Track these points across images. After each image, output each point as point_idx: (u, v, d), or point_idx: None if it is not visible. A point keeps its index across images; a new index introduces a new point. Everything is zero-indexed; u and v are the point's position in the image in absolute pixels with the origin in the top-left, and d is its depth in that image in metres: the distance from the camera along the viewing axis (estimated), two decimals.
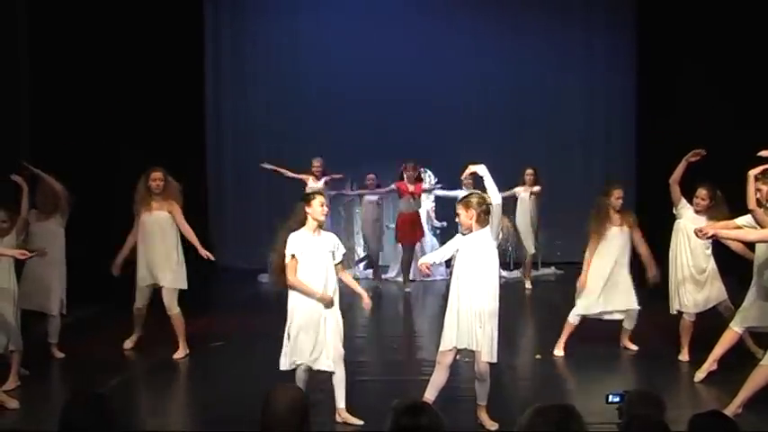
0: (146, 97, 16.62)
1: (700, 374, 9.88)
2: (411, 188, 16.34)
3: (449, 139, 18.01)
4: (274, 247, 8.54)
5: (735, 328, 9.61)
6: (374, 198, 17.31)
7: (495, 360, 8.32)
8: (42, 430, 4.49)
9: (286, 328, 8.50)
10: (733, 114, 15.87)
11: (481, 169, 8.37)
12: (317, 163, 16.38)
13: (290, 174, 16.32)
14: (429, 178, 17.85)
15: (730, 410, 7.79)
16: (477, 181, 9.42)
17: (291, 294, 8.47)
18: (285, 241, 8.39)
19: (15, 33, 14.21)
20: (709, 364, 9.82)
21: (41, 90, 14.59)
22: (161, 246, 11.18)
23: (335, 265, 8.55)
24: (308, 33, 18.85)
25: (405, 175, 16.35)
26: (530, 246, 16.65)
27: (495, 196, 8.18)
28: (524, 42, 18.80)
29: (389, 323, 13.77)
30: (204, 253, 11.02)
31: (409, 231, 16.54)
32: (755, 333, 9.86)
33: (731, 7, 16.07)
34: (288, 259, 8.35)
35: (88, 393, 4.84)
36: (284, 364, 8.52)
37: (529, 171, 16.55)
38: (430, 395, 8.31)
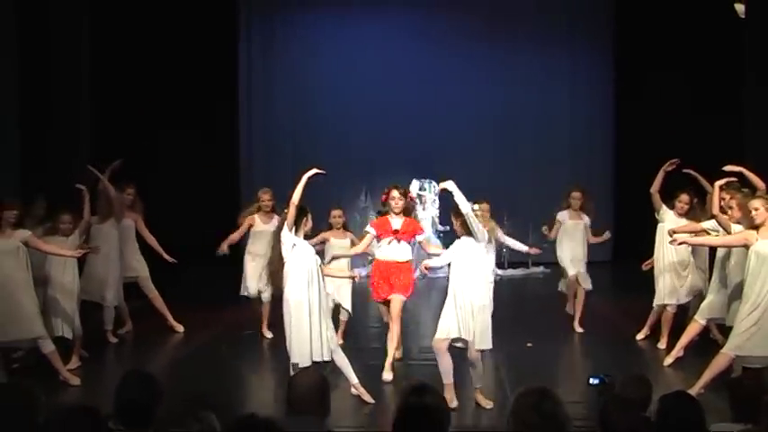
0: (184, 110, 16.65)
1: (668, 360, 9.96)
2: (395, 225, 9.73)
3: (452, 151, 18.00)
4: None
5: (699, 320, 9.70)
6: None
7: (485, 347, 8.44)
8: (100, 404, 4.51)
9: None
10: (703, 127, 15.88)
11: (449, 185, 8.46)
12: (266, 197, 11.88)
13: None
14: (434, 189, 17.72)
15: (694, 391, 7.83)
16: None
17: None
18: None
19: (78, 54, 14.27)
20: (677, 350, 9.92)
21: (100, 98, 14.67)
22: None
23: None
24: (328, 52, 18.75)
25: (390, 203, 9.81)
26: (583, 280, 12.10)
27: (463, 206, 8.31)
28: (515, 65, 18.74)
29: None
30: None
31: (385, 286, 9.80)
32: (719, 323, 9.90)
33: (701, 28, 16.06)
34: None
35: (139, 373, 4.90)
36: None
37: (575, 194, 12.13)
38: (447, 380, 8.37)
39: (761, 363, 8.20)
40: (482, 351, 8.46)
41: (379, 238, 9.79)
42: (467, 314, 8.26)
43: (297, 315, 8.24)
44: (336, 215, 11.03)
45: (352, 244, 10.65)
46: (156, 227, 12.16)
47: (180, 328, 12.09)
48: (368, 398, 8.68)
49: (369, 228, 9.94)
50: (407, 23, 18.77)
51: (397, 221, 9.73)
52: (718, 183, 9.23)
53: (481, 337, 8.31)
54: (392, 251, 9.70)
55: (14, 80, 12.09)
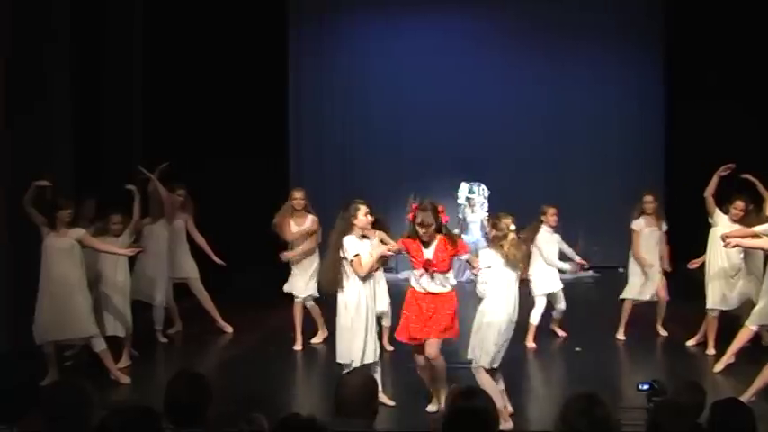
0: (234, 111, 16.75)
1: (719, 366, 9.85)
2: (427, 254, 8.16)
3: (502, 154, 17.98)
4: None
5: (750, 326, 9.59)
6: None
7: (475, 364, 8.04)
8: (149, 403, 4.55)
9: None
10: (757, 129, 15.70)
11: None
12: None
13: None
14: (483, 192, 17.67)
15: (745, 398, 7.74)
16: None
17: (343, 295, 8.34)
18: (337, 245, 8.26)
19: (131, 57, 14.42)
20: (728, 357, 9.80)
21: (152, 99, 14.80)
22: None
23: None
24: (377, 54, 18.75)
25: (418, 220, 8.16)
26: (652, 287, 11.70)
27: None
28: (565, 67, 18.62)
29: None
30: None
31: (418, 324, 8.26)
32: None
33: (755, 27, 15.87)
34: (351, 258, 8.17)
35: (189, 373, 4.93)
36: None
37: (648, 198, 11.65)
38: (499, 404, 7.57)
39: None
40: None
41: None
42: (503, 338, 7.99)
43: (355, 317, 8.21)
44: (298, 197, 11.20)
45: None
46: (205, 229, 12.29)
47: (228, 329, 12.19)
48: (390, 402, 8.59)
49: (400, 245, 8.53)
50: (456, 25, 18.71)
51: (429, 250, 8.19)
52: None
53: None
54: (426, 281, 8.20)
55: (67, 81, 12.22)
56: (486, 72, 18.47)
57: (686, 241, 11.96)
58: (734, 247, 9.15)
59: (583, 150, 18.61)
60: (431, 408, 8.46)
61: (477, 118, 18.23)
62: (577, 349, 10.97)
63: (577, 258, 11.94)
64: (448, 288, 8.22)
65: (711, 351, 10.62)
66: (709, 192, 10.67)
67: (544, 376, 9.72)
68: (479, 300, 8.06)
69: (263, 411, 4.42)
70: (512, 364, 9.18)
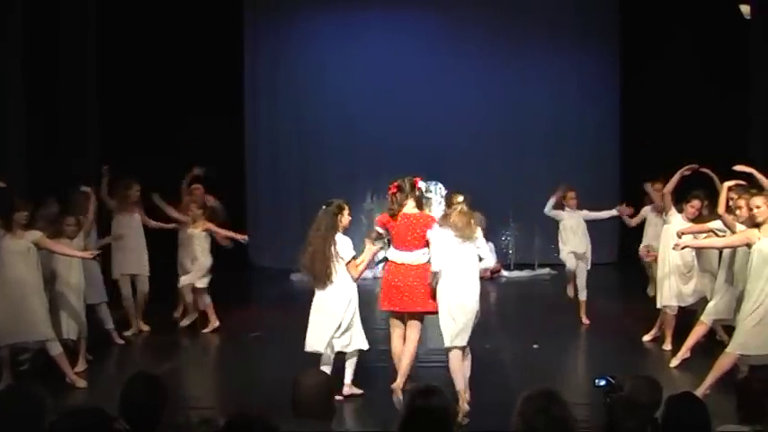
0: (191, 108, 16.67)
1: (675, 361, 9.96)
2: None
3: (459, 153, 18.01)
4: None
5: (704, 321, 9.70)
6: None
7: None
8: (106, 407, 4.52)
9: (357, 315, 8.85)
10: (710, 129, 15.86)
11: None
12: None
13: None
14: (440, 190, 17.68)
15: (700, 392, 7.80)
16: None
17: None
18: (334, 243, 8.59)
19: (85, 54, 14.27)
20: (683, 352, 9.91)
21: (107, 98, 14.68)
22: None
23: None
24: (334, 53, 18.69)
25: (393, 202, 8.77)
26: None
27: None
28: (522, 66, 18.69)
29: None
30: None
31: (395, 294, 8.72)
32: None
33: (707, 28, 16.04)
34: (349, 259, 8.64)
35: (145, 375, 4.90)
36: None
37: (657, 186, 11.64)
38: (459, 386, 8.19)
39: (765, 361, 8.21)
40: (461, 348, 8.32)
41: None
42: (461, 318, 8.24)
43: (338, 310, 8.68)
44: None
45: None
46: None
47: (145, 328, 12.08)
48: (358, 391, 8.95)
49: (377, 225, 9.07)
50: (414, 25, 18.75)
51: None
52: (727, 183, 9.29)
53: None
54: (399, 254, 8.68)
55: (20, 80, 12.09)
56: (443, 71, 18.46)
57: (642, 239, 12.12)
58: (683, 248, 9.30)
59: (539, 149, 18.71)
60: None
61: (433, 117, 18.23)
62: (535, 346, 11.01)
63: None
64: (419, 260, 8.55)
65: (668, 347, 10.72)
66: (669, 189, 10.73)
67: (502, 373, 9.74)
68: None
69: (221, 412, 4.40)
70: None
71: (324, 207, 8.80)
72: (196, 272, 12.02)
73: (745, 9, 13.52)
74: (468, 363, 8.40)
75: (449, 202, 8.50)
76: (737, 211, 9.02)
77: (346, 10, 18.65)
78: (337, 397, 8.29)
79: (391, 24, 18.79)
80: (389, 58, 18.43)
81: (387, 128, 18.22)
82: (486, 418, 8.09)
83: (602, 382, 6.11)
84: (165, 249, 12.36)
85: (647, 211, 12.21)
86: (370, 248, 8.89)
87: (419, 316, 8.64)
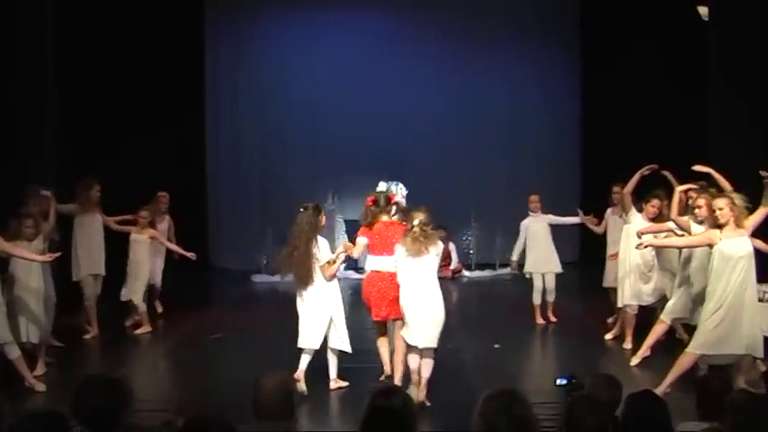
0: (152, 108, 16.54)
1: (635, 359, 10.04)
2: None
3: (421, 153, 18.06)
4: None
5: (664, 320, 9.78)
6: None
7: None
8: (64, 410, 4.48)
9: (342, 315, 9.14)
10: (669, 130, 15.98)
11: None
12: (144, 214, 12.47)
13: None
14: (401, 190, 17.66)
15: (660, 390, 7.86)
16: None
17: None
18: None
19: (43, 56, 14.05)
20: (643, 350, 9.99)
21: (66, 99, 14.48)
22: None
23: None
24: (295, 54, 18.72)
25: (368, 214, 9.38)
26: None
27: None
28: (484, 67, 18.80)
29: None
30: None
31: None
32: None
33: (667, 29, 16.16)
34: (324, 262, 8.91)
35: (104, 378, 4.84)
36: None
37: (617, 188, 11.61)
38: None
39: (725, 360, 8.29)
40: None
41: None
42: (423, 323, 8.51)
43: (319, 307, 8.95)
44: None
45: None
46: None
47: (92, 333, 11.96)
48: (344, 383, 9.11)
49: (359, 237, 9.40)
50: (377, 26, 18.79)
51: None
52: (680, 188, 9.52)
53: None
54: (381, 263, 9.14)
55: None
56: (406, 72, 18.53)
57: (603, 239, 12.20)
58: (645, 247, 9.38)
59: (500, 150, 18.82)
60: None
61: (396, 117, 18.29)
62: (497, 346, 11.04)
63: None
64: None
65: (628, 345, 10.80)
66: (629, 189, 10.80)
67: (464, 373, 9.75)
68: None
69: (181, 414, 4.38)
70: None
71: (302, 210, 8.99)
72: (133, 282, 12.12)
73: (703, 11, 13.61)
74: (428, 363, 8.50)
75: (408, 219, 8.69)
76: (696, 210, 9.10)
77: (309, 10, 18.64)
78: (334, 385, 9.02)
79: (354, 25, 18.81)
80: (352, 59, 18.45)
81: (349, 128, 18.25)
82: (447, 419, 8.10)
83: (564, 381, 6.16)
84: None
85: (609, 214, 12.18)
86: (341, 253, 9.13)
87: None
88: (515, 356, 10.81)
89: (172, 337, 12.06)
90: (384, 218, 9.22)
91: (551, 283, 12.61)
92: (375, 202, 9.29)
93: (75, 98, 14.73)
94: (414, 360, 8.54)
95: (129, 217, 12.33)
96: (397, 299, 8.71)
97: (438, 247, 8.55)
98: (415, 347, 8.50)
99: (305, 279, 8.87)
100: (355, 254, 9.47)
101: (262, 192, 18.24)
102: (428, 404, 8.41)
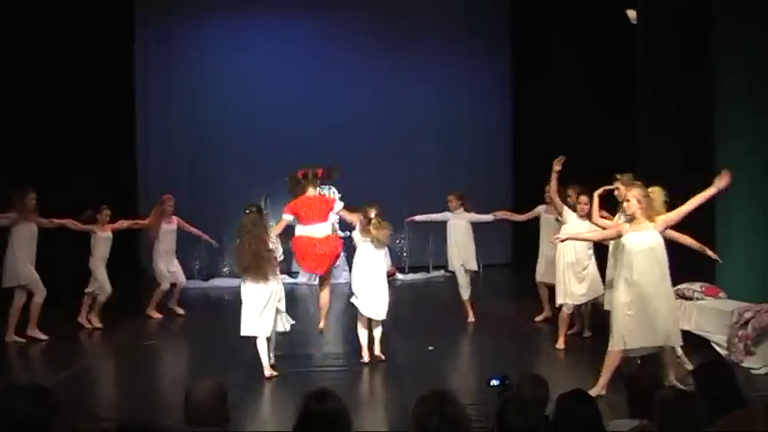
0: (79, 111, 16.26)
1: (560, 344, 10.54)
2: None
3: (353, 154, 18.04)
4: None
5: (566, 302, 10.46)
6: None
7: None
8: None
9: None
10: (599, 127, 16.15)
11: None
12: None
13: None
14: (333, 194, 17.64)
15: (595, 392, 7.95)
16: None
17: None
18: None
19: None
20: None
21: None
22: None
23: None
24: (226, 56, 18.70)
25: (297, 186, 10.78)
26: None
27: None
28: (415, 66, 18.90)
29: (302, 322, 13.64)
30: None
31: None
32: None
33: (597, 30, 16.34)
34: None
35: (28, 387, 4.74)
36: None
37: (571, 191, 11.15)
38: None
39: (644, 352, 8.41)
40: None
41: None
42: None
43: (260, 297, 9.67)
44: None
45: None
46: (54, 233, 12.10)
47: (22, 341, 11.78)
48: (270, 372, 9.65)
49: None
50: (307, 28, 18.77)
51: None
52: (597, 192, 9.80)
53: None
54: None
55: None
56: (336, 73, 18.58)
57: (535, 240, 12.32)
58: (563, 241, 9.69)
59: (431, 151, 18.95)
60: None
61: (326, 119, 18.33)
62: (430, 348, 11.06)
63: None
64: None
65: (561, 345, 10.87)
66: (554, 191, 10.81)
67: (397, 376, 9.77)
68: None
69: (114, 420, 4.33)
70: (360, 365, 9.36)
71: (246, 212, 9.78)
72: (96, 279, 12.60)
73: (632, 14, 13.80)
74: (379, 328, 10.41)
75: (364, 214, 10.16)
76: (625, 204, 9.15)
77: (239, 13, 18.58)
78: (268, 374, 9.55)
79: (284, 28, 18.82)
80: (282, 62, 18.48)
81: (281, 131, 18.23)
82: (381, 421, 8.12)
83: (496, 382, 6.18)
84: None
85: (540, 210, 12.36)
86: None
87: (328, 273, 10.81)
88: (449, 358, 10.85)
89: (105, 343, 11.91)
90: (310, 191, 10.49)
91: (466, 279, 12.68)
92: (305, 176, 10.57)
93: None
94: (363, 333, 10.31)
95: (140, 221, 13.56)
96: (320, 256, 10.23)
97: (388, 236, 10.29)
98: (368, 318, 10.27)
99: (260, 271, 9.56)
100: (278, 230, 10.27)
101: (194, 196, 18.04)
102: (383, 358, 10.20)
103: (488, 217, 12.83)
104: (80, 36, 16.10)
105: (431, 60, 18.97)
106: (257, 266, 9.57)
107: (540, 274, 12.29)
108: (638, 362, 8.60)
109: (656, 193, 8.67)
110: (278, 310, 9.85)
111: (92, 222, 12.68)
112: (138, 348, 11.54)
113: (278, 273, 9.85)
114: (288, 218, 10.34)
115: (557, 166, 10.61)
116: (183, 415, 4.59)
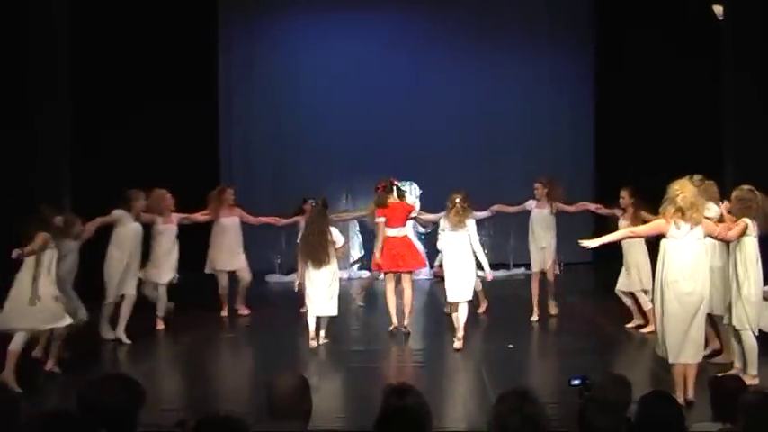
0: (166, 106, 16.59)
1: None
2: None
3: (433, 152, 18.11)
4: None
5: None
6: None
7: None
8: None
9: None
10: (681, 127, 15.96)
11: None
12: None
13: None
14: (414, 190, 17.66)
15: (685, 398, 7.81)
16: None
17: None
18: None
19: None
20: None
21: (79, 99, 14.48)
22: None
23: None
24: (308, 53, 18.83)
25: (381, 196, 11.86)
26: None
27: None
28: (496, 64, 18.84)
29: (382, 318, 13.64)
30: None
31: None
32: None
33: (681, 26, 16.15)
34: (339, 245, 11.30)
35: (118, 377, 4.86)
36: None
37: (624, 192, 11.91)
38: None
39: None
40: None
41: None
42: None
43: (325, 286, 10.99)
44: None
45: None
46: None
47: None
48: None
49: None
50: (389, 24, 18.82)
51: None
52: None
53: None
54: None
55: None
56: (418, 70, 18.58)
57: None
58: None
59: (514, 147, 18.80)
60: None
61: (408, 116, 18.33)
62: (510, 346, 11.03)
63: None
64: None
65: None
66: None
67: (476, 374, 9.75)
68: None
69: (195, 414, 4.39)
70: (441, 362, 9.36)
71: (313, 204, 11.40)
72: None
73: (718, 9, 13.61)
74: (464, 310, 10.83)
75: (450, 200, 10.90)
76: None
77: (321, 10, 18.66)
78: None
79: (366, 24, 18.89)
80: (365, 58, 18.54)
81: (362, 127, 18.27)
82: (461, 418, 8.13)
83: (577, 381, 6.15)
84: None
85: (531, 204, 13.09)
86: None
87: (411, 273, 12.04)
88: (529, 357, 10.82)
89: (184, 336, 12.05)
90: (391, 199, 11.78)
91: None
92: (384, 188, 11.78)
93: (88, 98, 14.77)
94: (464, 311, 10.86)
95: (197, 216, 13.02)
96: (404, 255, 11.66)
97: (473, 219, 11.04)
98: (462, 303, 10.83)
99: (322, 260, 10.84)
100: (378, 230, 11.79)
101: (275, 191, 18.18)
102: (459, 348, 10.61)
103: (485, 213, 13.17)
104: (169, 41, 16.45)
105: (514, 57, 18.89)
106: (316, 253, 10.85)
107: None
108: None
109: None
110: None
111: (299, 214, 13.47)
112: (218, 342, 11.70)
113: (335, 258, 11.05)
114: (380, 220, 11.73)
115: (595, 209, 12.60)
116: (265, 409, 4.64)
